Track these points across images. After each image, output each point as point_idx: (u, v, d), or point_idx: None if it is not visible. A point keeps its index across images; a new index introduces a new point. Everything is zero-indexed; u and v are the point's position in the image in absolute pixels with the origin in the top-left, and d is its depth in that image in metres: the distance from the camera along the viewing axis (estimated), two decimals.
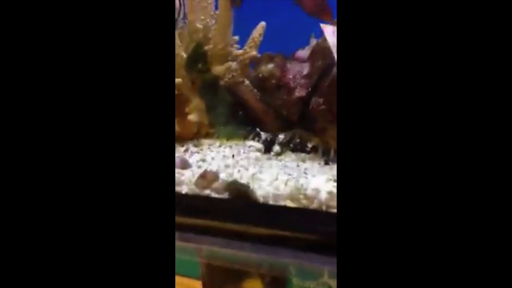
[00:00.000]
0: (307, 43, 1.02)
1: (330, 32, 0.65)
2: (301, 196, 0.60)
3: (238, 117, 0.95)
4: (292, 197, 0.61)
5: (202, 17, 0.93)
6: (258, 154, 0.80)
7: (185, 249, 0.52)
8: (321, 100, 0.78)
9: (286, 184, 0.63)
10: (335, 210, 0.57)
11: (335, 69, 0.68)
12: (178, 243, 0.50)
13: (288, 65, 0.90)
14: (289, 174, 0.68)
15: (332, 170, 0.70)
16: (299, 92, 0.82)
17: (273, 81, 0.87)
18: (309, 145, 0.83)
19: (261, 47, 1.01)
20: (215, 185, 0.64)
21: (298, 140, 0.84)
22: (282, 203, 0.60)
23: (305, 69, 0.88)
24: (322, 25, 0.67)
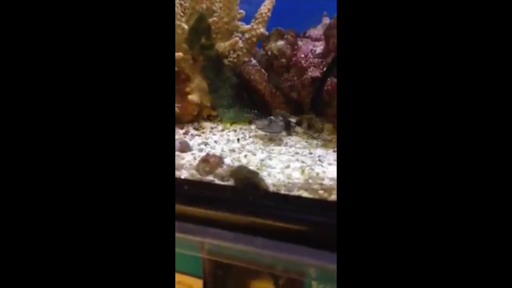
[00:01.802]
0: (318, 21, 0.94)
1: None
2: (318, 186, 0.53)
3: (243, 100, 0.87)
4: (308, 187, 0.53)
5: None
6: (266, 139, 0.73)
7: (184, 242, 0.45)
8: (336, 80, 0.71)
9: (301, 172, 0.56)
10: None
11: None
12: (177, 235, 0.42)
13: (300, 43, 0.82)
14: (303, 162, 0.61)
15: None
16: (313, 72, 0.74)
17: (283, 60, 0.79)
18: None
19: (269, 25, 0.93)
20: (219, 170, 0.56)
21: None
22: (296, 193, 0.52)
23: (319, 47, 0.81)
24: None
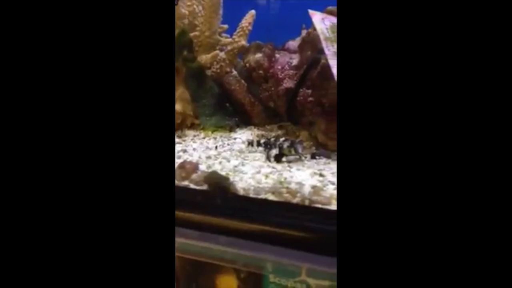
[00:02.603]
0: (298, 34, 0.99)
1: (318, 19, 0.61)
2: (284, 190, 0.57)
3: (225, 109, 0.91)
4: (274, 191, 0.58)
5: (189, 3, 0.89)
6: (243, 146, 0.77)
7: None
8: (309, 91, 0.75)
9: (268, 177, 0.60)
10: (318, 205, 0.54)
11: (324, 59, 0.65)
12: None
13: (277, 55, 0.87)
14: (273, 167, 0.65)
15: (318, 165, 0.67)
16: (287, 83, 0.79)
17: (261, 72, 0.84)
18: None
19: (254, 38, 0.98)
20: (194, 176, 0.61)
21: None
22: (263, 196, 0.57)
23: (295, 59, 0.85)
24: (310, 11, 0.64)
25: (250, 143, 0.75)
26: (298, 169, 0.64)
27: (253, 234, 0.46)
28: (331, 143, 0.75)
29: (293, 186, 0.59)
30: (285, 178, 0.61)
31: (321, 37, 0.61)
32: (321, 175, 0.62)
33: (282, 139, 0.71)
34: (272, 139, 0.72)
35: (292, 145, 0.68)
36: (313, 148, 0.77)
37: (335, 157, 0.72)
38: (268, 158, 0.69)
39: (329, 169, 0.65)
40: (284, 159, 0.69)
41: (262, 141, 0.74)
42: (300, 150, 0.69)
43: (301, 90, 0.75)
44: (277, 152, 0.68)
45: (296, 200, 0.56)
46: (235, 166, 0.65)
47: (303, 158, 0.70)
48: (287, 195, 0.57)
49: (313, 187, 0.58)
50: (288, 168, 0.65)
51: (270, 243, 0.44)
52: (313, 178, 0.61)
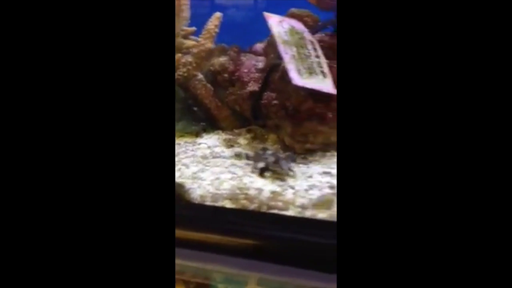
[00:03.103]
0: (267, 36, 0.98)
1: (275, 22, 0.60)
2: (242, 196, 0.56)
3: (191, 113, 0.89)
4: (232, 197, 0.56)
5: None
6: (207, 152, 0.75)
7: None
8: (273, 94, 0.74)
9: (227, 183, 0.59)
10: (275, 211, 0.53)
11: (283, 62, 0.63)
12: None
13: (243, 58, 0.85)
14: (234, 173, 0.63)
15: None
16: (252, 87, 0.77)
17: (226, 75, 0.83)
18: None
19: (223, 40, 0.96)
20: None
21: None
22: (221, 203, 0.55)
23: (261, 62, 0.84)
24: (266, 14, 0.63)
25: (238, 156, 0.72)
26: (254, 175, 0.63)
27: (201, 244, 0.44)
28: (298, 146, 0.74)
29: (252, 192, 0.57)
30: (245, 184, 0.59)
31: (278, 40, 0.59)
32: (282, 180, 0.61)
33: (269, 152, 0.67)
34: (260, 152, 0.67)
35: (277, 161, 0.63)
36: (281, 151, 0.75)
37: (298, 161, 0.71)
38: (254, 170, 0.64)
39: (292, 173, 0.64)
40: (268, 173, 0.64)
41: (250, 153, 0.70)
42: (284, 167, 0.63)
43: (265, 93, 0.74)
44: (263, 166, 0.63)
45: (253, 207, 0.54)
46: (194, 173, 0.63)
47: (290, 173, 0.64)
48: (244, 201, 0.55)
49: (272, 192, 0.56)
50: (249, 174, 0.63)
51: (218, 253, 0.42)
52: (274, 184, 0.60)
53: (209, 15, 0.96)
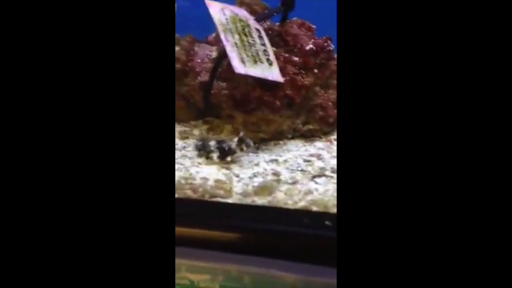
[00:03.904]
0: None
1: (216, 10, 0.59)
2: (187, 186, 0.56)
3: None
4: (177, 188, 0.56)
5: None
6: None
7: None
8: (224, 84, 0.74)
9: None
10: (217, 199, 0.53)
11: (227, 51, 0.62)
12: None
13: (196, 49, 0.84)
14: (182, 164, 0.63)
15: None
16: (203, 77, 0.76)
17: (178, 66, 0.81)
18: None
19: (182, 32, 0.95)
20: None
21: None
22: None
23: (214, 52, 0.83)
24: (207, 1, 0.62)
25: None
26: (206, 164, 0.63)
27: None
28: (252, 135, 0.74)
29: (197, 181, 0.57)
30: (191, 174, 0.59)
31: (219, 28, 0.59)
32: (227, 169, 0.61)
33: (215, 139, 0.67)
34: (210, 142, 0.67)
35: (241, 141, 0.64)
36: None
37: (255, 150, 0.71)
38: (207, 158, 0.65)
39: (239, 161, 0.64)
40: (229, 158, 0.64)
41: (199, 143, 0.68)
42: (251, 143, 0.65)
43: (215, 83, 0.73)
44: (227, 153, 0.64)
45: (196, 195, 0.54)
46: None
47: (256, 145, 0.66)
48: (188, 191, 0.55)
49: (216, 181, 0.56)
50: (196, 164, 0.63)
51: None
52: (219, 172, 0.60)
53: None
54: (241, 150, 0.65)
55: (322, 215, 0.43)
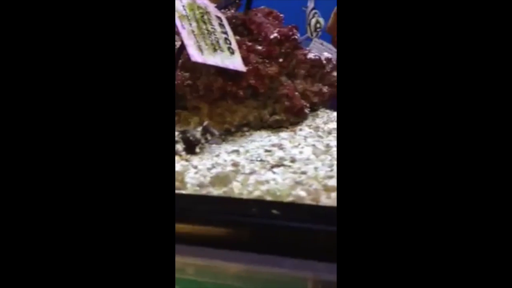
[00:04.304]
0: None
1: None
2: None
3: None
4: None
5: None
6: None
7: None
8: (187, 74, 0.72)
9: None
10: (186, 192, 0.51)
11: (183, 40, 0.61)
12: None
13: None
14: None
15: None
16: None
17: None
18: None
19: None
20: None
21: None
22: None
23: (178, 42, 0.82)
24: None
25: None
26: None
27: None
28: (218, 127, 0.73)
29: None
30: None
31: (175, 14, 0.57)
32: (187, 160, 0.60)
33: (183, 130, 0.65)
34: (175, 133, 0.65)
35: (205, 130, 0.63)
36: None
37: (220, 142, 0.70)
38: (176, 153, 0.61)
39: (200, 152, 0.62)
40: (197, 149, 0.63)
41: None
42: (215, 132, 0.64)
43: (178, 73, 0.72)
44: (193, 143, 0.62)
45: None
46: None
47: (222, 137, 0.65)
48: None
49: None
50: None
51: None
52: (178, 164, 0.58)
53: None
54: (206, 140, 0.64)
55: (271, 204, 0.42)
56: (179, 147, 0.64)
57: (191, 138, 0.63)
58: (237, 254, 0.37)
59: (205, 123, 0.66)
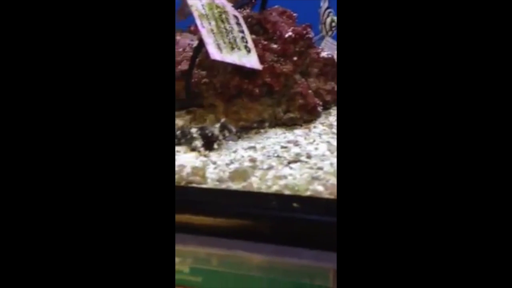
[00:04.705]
0: None
1: None
2: None
3: None
4: None
5: None
6: None
7: None
8: (204, 73, 0.74)
9: None
10: (193, 185, 0.53)
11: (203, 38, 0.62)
12: None
13: (178, 37, 0.84)
14: None
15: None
16: (183, 66, 0.76)
17: None
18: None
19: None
20: None
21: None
22: None
23: (196, 41, 0.83)
24: None
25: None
26: (184, 152, 0.63)
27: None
28: (233, 124, 0.74)
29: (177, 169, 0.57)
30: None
31: (195, 14, 0.59)
32: (205, 156, 0.61)
33: (201, 126, 0.67)
34: (192, 130, 0.67)
35: (223, 127, 0.65)
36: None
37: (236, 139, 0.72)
38: (194, 150, 0.64)
39: (219, 149, 0.64)
40: (215, 145, 0.65)
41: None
42: (233, 128, 0.66)
43: (196, 71, 0.73)
44: (211, 140, 0.64)
45: (183, 184, 0.55)
46: None
47: (238, 134, 0.67)
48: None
49: (193, 168, 0.56)
50: (176, 153, 0.63)
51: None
52: (197, 160, 0.60)
53: None
54: (224, 136, 0.66)
55: (290, 198, 0.43)
56: (198, 143, 0.66)
57: (209, 134, 0.65)
58: (259, 245, 0.39)
59: (223, 119, 0.67)
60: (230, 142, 0.70)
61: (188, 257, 0.40)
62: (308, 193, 0.47)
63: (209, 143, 0.64)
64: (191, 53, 0.80)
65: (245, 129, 0.76)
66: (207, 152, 0.62)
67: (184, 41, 0.82)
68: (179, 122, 0.84)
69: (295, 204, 0.41)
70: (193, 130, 0.66)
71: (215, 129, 0.65)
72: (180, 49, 0.81)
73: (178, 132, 0.66)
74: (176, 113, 0.89)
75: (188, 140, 0.66)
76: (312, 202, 0.43)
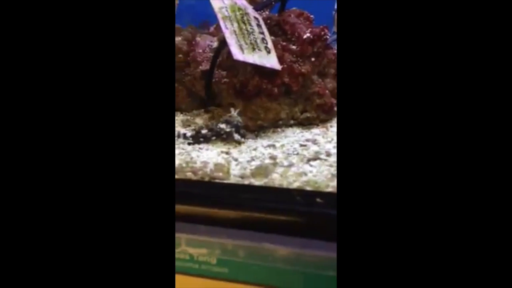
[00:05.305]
0: None
1: None
2: (188, 169, 0.58)
3: None
4: (178, 171, 0.58)
5: None
6: None
7: None
8: (224, 73, 0.76)
9: (176, 158, 0.61)
10: (217, 180, 0.55)
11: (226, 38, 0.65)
12: None
13: (198, 39, 0.86)
14: (183, 149, 0.65)
15: (228, 144, 0.68)
16: (204, 66, 0.78)
17: (180, 56, 0.84)
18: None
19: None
20: None
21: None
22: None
23: (216, 42, 0.85)
24: None
25: (178, 136, 0.73)
26: (207, 149, 0.65)
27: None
28: (251, 123, 0.76)
29: (198, 165, 0.59)
30: (192, 158, 0.61)
31: (218, 16, 0.61)
32: (227, 153, 0.63)
33: (209, 124, 0.70)
34: (202, 128, 0.70)
35: (236, 127, 0.68)
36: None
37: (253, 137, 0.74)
38: (233, 141, 0.68)
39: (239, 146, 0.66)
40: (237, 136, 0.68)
41: (188, 133, 0.71)
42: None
43: (216, 71, 0.75)
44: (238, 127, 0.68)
45: (196, 178, 0.57)
46: None
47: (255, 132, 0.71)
48: (189, 173, 0.58)
49: (216, 164, 0.59)
50: (197, 149, 0.65)
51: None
52: (219, 157, 0.62)
53: None
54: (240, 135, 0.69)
55: (314, 194, 0.45)
56: (235, 135, 0.69)
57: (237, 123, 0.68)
58: (286, 238, 0.41)
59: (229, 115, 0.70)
60: (250, 140, 0.72)
61: (216, 249, 0.42)
62: (330, 189, 0.49)
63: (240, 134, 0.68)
64: (211, 54, 0.82)
65: (262, 128, 0.78)
66: (228, 150, 0.64)
67: (204, 43, 0.84)
68: (198, 120, 0.87)
69: (318, 199, 0.43)
70: (222, 125, 0.68)
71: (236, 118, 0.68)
72: (200, 50, 0.83)
73: (204, 131, 0.69)
74: (195, 111, 0.92)
75: (219, 135, 0.69)
76: (335, 198, 0.45)
